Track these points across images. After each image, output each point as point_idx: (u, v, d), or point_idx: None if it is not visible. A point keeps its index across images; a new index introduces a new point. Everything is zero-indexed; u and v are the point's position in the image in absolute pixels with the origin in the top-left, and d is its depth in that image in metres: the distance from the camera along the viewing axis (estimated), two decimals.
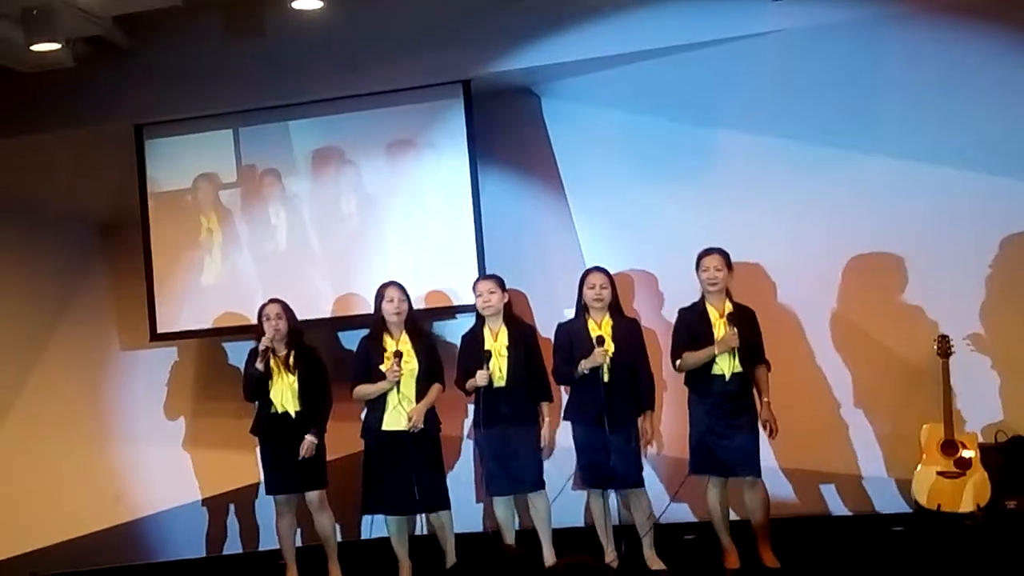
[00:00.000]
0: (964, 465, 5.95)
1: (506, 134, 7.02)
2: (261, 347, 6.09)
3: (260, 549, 6.97)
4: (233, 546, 7.09)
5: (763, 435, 5.83)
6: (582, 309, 6.01)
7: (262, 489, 6.39)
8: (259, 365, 6.08)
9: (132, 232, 7.13)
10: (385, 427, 6.01)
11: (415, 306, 6.30)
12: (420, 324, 6.30)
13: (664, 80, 6.65)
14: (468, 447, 6.72)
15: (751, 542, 5.82)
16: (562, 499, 6.09)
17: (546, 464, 6.04)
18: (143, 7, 6.33)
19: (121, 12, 6.44)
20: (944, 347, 6.04)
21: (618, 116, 6.88)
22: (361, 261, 6.86)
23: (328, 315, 6.87)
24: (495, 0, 6.57)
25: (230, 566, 6.94)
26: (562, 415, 6.06)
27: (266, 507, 6.53)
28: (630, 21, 6.46)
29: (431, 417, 6.07)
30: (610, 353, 5.82)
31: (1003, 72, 6.21)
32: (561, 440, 6.09)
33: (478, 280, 6.17)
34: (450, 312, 6.77)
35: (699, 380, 5.84)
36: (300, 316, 6.38)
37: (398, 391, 5.99)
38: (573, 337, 5.95)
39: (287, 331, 6.17)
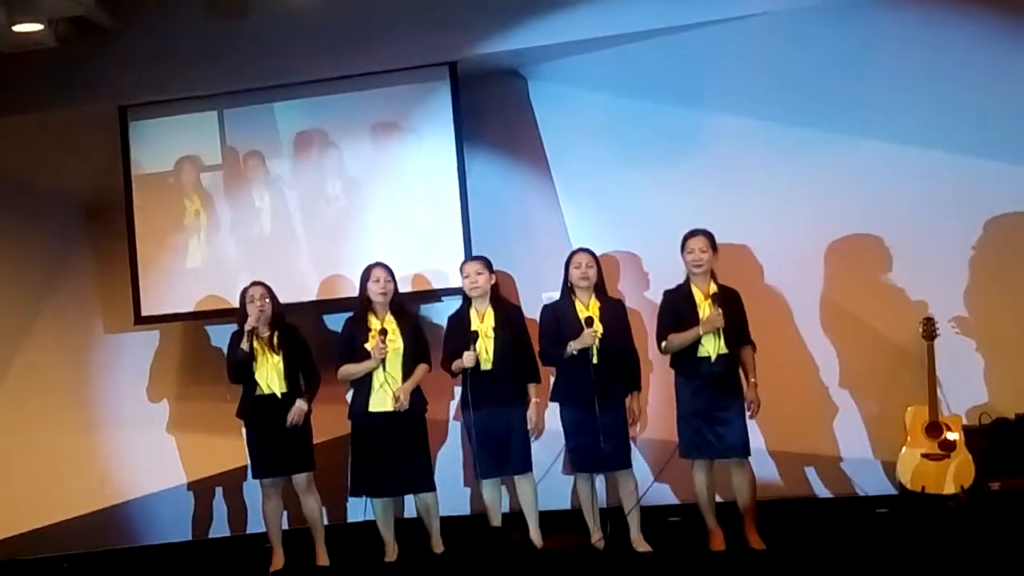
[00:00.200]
0: (948, 447, 5.98)
1: (493, 116, 7.00)
2: (247, 327, 6.07)
3: (247, 532, 6.96)
4: (220, 529, 7.08)
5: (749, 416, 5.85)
6: (568, 290, 6.00)
7: (249, 472, 6.37)
8: (244, 346, 6.07)
9: (116, 215, 7.08)
10: (371, 408, 6.01)
11: (401, 288, 6.29)
12: (405, 305, 6.29)
13: (651, 62, 6.64)
14: (454, 429, 6.73)
15: (737, 524, 5.85)
16: (549, 481, 6.11)
17: (533, 446, 6.04)
18: None
19: None
20: (929, 330, 6.06)
21: (605, 98, 6.87)
22: (346, 244, 6.84)
23: (313, 298, 6.84)
24: None
25: (216, 549, 6.93)
26: (549, 397, 6.06)
27: (253, 490, 6.52)
28: (617, 3, 6.46)
29: (417, 398, 6.07)
30: (599, 334, 5.82)
31: (990, 55, 6.23)
32: (548, 422, 6.08)
33: (465, 261, 6.17)
34: (436, 295, 6.76)
35: (685, 362, 5.85)
36: (285, 299, 6.39)
37: (383, 370, 5.99)
38: (560, 318, 5.94)
39: (271, 313, 6.16)
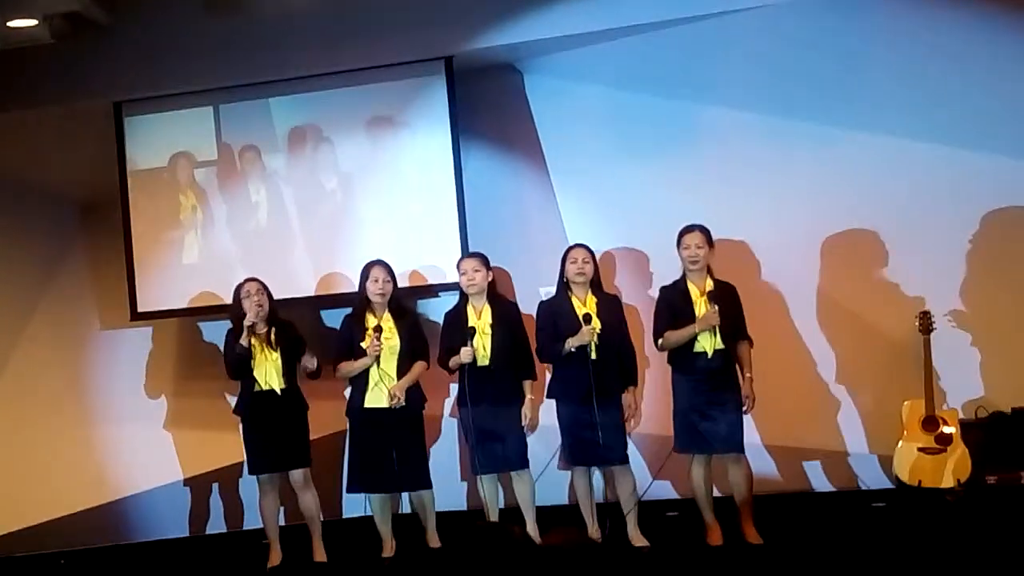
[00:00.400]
0: (945, 441, 5.99)
1: (488, 111, 6.99)
2: (246, 323, 6.05)
3: (244, 528, 6.95)
4: (217, 525, 7.08)
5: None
6: (564, 286, 6.00)
7: (246, 468, 6.37)
8: (243, 342, 6.06)
9: (112, 211, 7.07)
10: (367, 404, 6.01)
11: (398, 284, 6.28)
12: (404, 303, 6.28)
13: (647, 56, 6.64)
14: (450, 426, 6.73)
15: (734, 519, 5.85)
16: (546, 477, 6.10)
17: (530, 442, 6.04)
18: None
19: None
20: (926, 324, 6.07)
21: (601, 92, 6.87)
22: (343, 239, 6.83)
23: (309, 294, 6.83)
24: None
25: (213, 545, 6.93)
26: (546, 393, 6.06)
27: (249, 486, 6.51)
28: None
29: (415, 395, 6.06)
30: (597, 330, 5.82)
31: (988, 49, 6.24)
32: (543, 418, 6.07)
33: (462, 258, 6.15)
34: (432, 290, 6.76)
35: (682, 358, 5.84)
36: (281, 295, 6.37)
37: (378, 368, 5.99)
38: (557, 314, 5.93)
39: (268, 309, 6.15)
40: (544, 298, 6.10)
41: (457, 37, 6.67)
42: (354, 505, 6.33)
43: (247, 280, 6.24)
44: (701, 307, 5.78)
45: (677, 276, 5.98)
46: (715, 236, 5.93)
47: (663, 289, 6.00)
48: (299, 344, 6.20)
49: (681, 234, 5.90)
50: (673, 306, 5.87)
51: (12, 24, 6.31)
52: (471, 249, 6.44)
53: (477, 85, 6.87)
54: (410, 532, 6.18)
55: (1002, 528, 5.45)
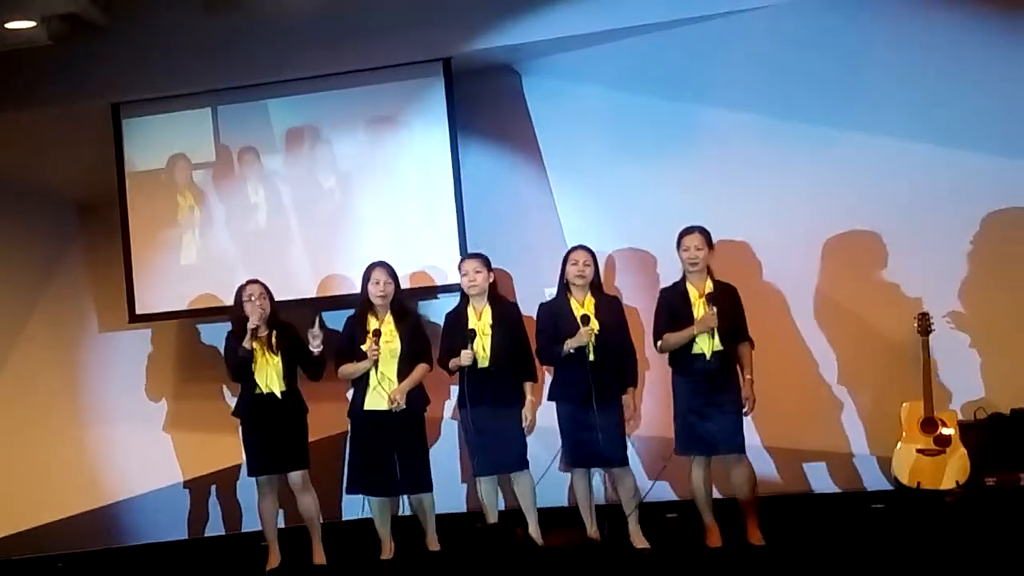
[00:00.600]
0: (944, 443, 5.99)
1: (487, 112, 7.00)
2: (250, 326, 6.03)
3: (243, 531, 6.94)
4: (215, 528, 7.07)
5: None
6: (564, 287, 5.99)
7: (244, 471, 6.36)
8: (246, 345, 6.04)
9: (110, 212, 7.06)
10: (367, 407, 5.99)
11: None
12: (406, 305, 6.26)
13: (646, 57, 6.64)
14: (450, 427, 6.72)
15: (734, 520, 5.84)
16: (547, 478, 6.09)
17: (531, 444, 6.02)
18: None
19: None
20: (924, 325, 6.06)
21: (600, 94, 6.87)
22: (341, 240, 6.83)
23: (309, 295, 6.82)
24: None
25: (212, 548, 6.91)
26: (546, 395, 6.05)
27: (248, 489, 6.50)
28: None
29: (418, 397, 6.05)
30: (595, 332, 5.81)
31: (985, 50, 6.23)
32: (544, 420, 6.06)
33: (463, 259, 6.14)
34: (431, 291, 6.75)
35: (681, 360, 5.84)
36: (280, 296, 6.35)
37: (377, 371, 5.97)
38: (556, 316, 5.93)
39: (269, 311, 6.14)
40: (548, 299, 6.08)
41: (456, 38, 6.67)
42: (354, 507, 6.31)
43: (249, 282, 6.22)
44: (700, 309, 5.77)
45: (677, 277, 5.97)
46: (715, 237, 5.92)
47: (663, 291, 6.00)
48: (300, 347, 6.18)
49: (681, 236, 5.90)
50: (672, 308, 5.87)
51: (10, 26, 6.31)
52: (469, 250, 6.43)
53: (475, 86, 6.87)
54: (409, 534, 6.17)
55: (1001, 530, 5.44)
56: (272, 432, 6.07)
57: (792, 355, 6.48)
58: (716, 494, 5.94)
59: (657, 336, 5.90)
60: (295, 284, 6.76)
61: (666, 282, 6.03)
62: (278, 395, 6.08)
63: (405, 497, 6.15)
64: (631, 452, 6.02)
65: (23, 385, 7.22)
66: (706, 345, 5.75)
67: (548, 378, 6.10)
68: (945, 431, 5.99)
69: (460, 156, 6.71)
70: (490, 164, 7.00)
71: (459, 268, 6.11)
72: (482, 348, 5.91)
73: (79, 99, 6.98)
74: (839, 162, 6.46)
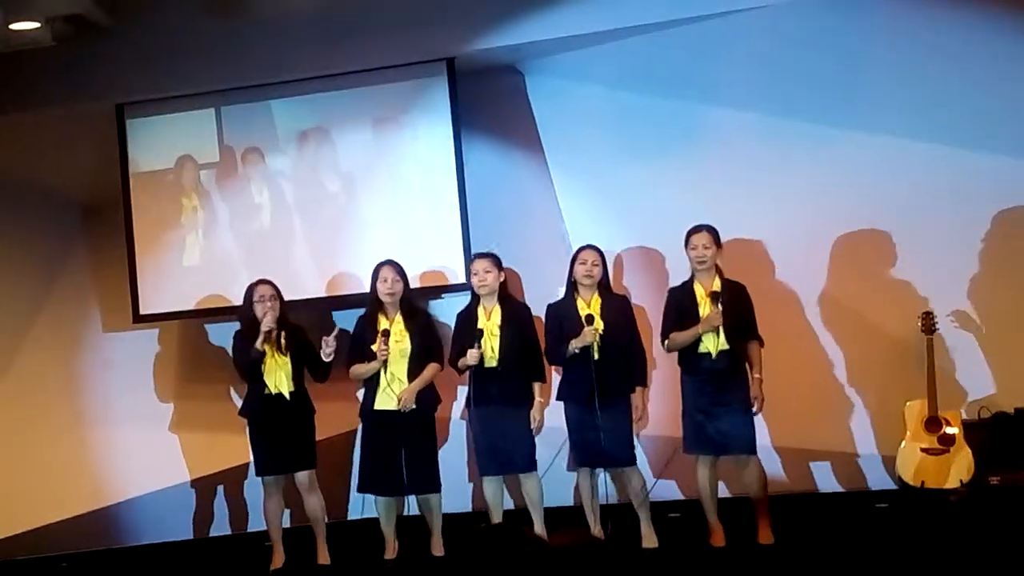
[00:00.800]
0: (948, 442, 5.98)
1: (490, 112, 7.00)
2: (264, 328, 6.02)
3: (249, 530, 6.94)
4: (221, 528, 7.07)
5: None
6: (571, 287, 5.98)
7: (250, 470, 6.35)
8: (259, 346, 6.03)
9: (114, 213, 7.07)
10: (377, 407, 5.99)
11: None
12: (416, 304, 6.25)
13: (649, 57, 6.64)
14: (457, 428, 6.71)
15: (740, 520, 5.82)
16: (554, 479, 6.08)
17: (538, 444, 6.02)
18: None
19: None
20: (928, 324, 6.05)
21: (603, 93, 6.87)
22: (345, 241, 6.84)
23: (312, 295, 6.81)
24: None
25: (217, 548, 6.91)
26: (555, 395, 6.04)
27: (254, 489, 6.50)
28: None
29: (429, 396, 6.04)
30: (599, 331, 5.81)
31: (987, 48, 6.22)
32: (549, 420, 6.03)
33: (474, 258, 6.11)
34: (435, 292, 6.75)
35: (688, 359, 5.83)
36: (285, 297, 6.33)
37: (386, 371, 5.97)
38: (563, 316, 5.92)
39: (280, 312, 6.14)
40: (552, 302, 6.08)
41: (458, 38, 6.67)
42: (358, 506, 6.31)
43: (259, 282, 6.21)
44: (706, 308, 5.77)
45: (681, 276, 5.97)
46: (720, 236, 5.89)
47: (671, 290, 5.99)
48: (308, 349, 6.18)
49: (689, 234, 5.89)
50: (680, 307, 5.86)
51: (14, 27, 6.31)
52: (473, 250, 6.44)
53: (479, 86, 6.87)
54: (415, 534, 6.16)
55: (1005, 529, 5.44)
56: (280, 432, 6.07)
57: (795, 354, 6.46)
58: (726, 492, 5.92)
59: (664, 336, 5.90)
60: (299, 284, 6.74)
61: (673, 281, 6.02)
62: (287, 396, 6.08)
63: (411, 497, 6.15)
64: (638, 451, 6.01)
65: (27, 385, 7.20)
66: (711, 344, 5.75)
67: (557, 378, 6.09)
68: (949, 430, 5.98)
69: (464, 156, 6.71)
70: (494, 164, 7.00)
71: (470, 267, 6.10)
72: (490, 348, 5.91)
73: (83, 100, 6.99)
74: (842, 161, 6.46)
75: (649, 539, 5.91)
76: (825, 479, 6.52)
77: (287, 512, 6.38)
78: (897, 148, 6.38)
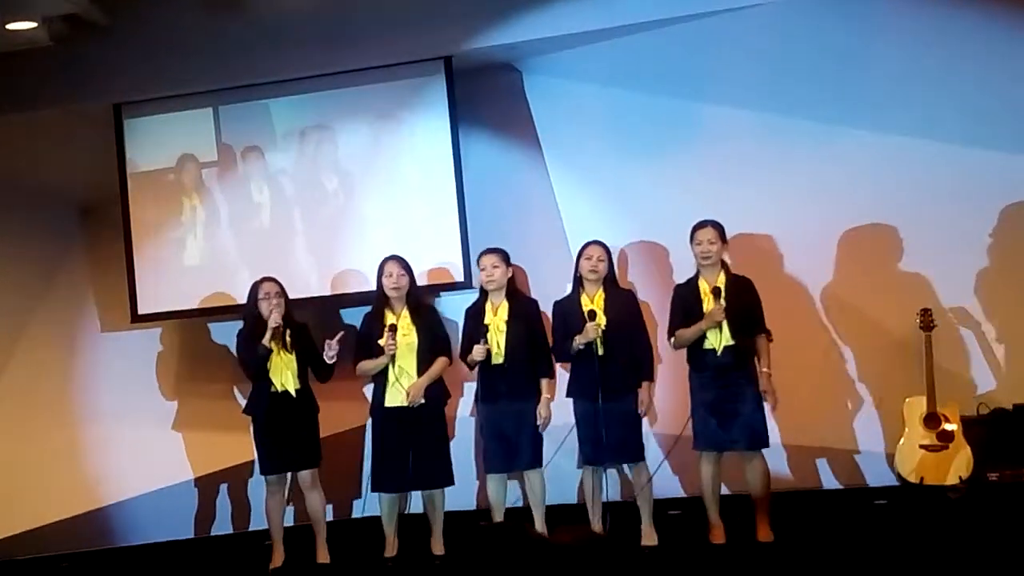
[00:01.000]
0: (947, 438, 5.98)
1: (488, 110, 7.01)
2: (272, 324, 6.01)
3: (250, 529, 6.93)
4: (223, 527, 7.06)
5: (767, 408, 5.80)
6: (577, 282, 5.98)
7: (253, 469, 6.33)
8: (266, 343, 6.01)
9: (112, 213, 7.07)
10: (387, 404, 5.98)
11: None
12: (422, 298, 6.25)
13: (646, 54, 6.65)
14: (462, 425, 6.69)
15: (741, 517, 5.82)
16: (555, 476, 6.08)
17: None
18: None
19: None
20: (927, 321, 6.05)
21: (600, 91, 6.88)
22: (344, 239, 6.84)
23: (311, 294, 6.81)
24: None
25: (217, 547, 6.90)
26: (564, 392, 6.01)
27: (257, 487, 6.50)
28: None
29: (438, 391, 6.04)
30: (602, 327, 5.80)
31: (988, 45, 6.23)
32: (556, 416, 5.99)
33: (482, 254, 6.09)
34: (434, 289, 6.74)
35: (694, 355, 5.82)
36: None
37: (394, 366, 5.97)
38: (567, 312, 5.93)
39: (285, 309, 6.14)
40: (559, 299, 6.07)
41: (456, 37, 6.68)
42: (362, 505, 6.31)
43: (264, 280, 6.20)
44: (710, 303, 5.76)
45: (675, 273, 5.98)
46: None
47: (677, 287, 5.98)
48: (313, 347, 6.17)
49: (693, 230, 5.88)
50: (685, 304, 5.85)
51: (11, 27, 6.31)
52: (471, 247, 6.43)
53: (476, 84, 6.88)
54: (416, 532, 6.15)
55: (1004, 525, 5.44)
56: (286, 430, 6.06)
57: (796, 351, 6.46)
58: (725, 490, 5.91)
59: (671, 332, 5.89)
60: (298, 282, 6.72)
61: (677, 276, 6.00)
62: (292, 393, 6.08)
63: (414, 494, 6.15)
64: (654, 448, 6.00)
65: (25, 385, 7.20)
66: (715, 339, 5.74)
67: (566, 375, 6.08)
68: (948, 427, 5.99)
69: (462, 154, 6.71)
70: (492, 161, 7.00)
71: (477, 263, 6.09)
72: (496, 344, 5.90)
73: (80, 100, 6.99)
74: (840, 158, 6.47)
75: (649, 536, 5.91)
76: (824, 476, 6.52)
77: (289, 510, 6.37)
78: (897, 145, 6.37)
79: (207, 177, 6.99)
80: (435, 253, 6.69)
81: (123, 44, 6.87)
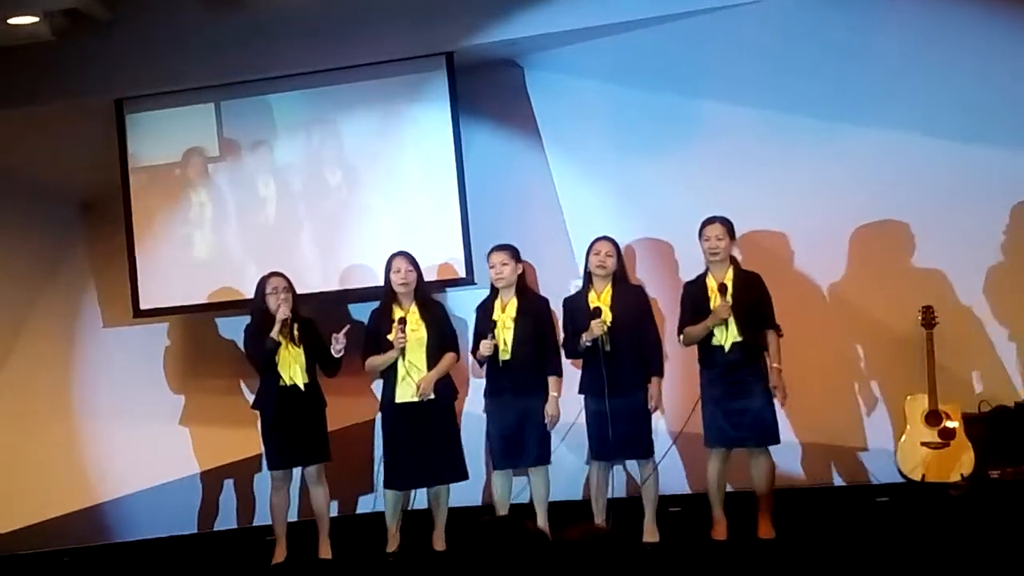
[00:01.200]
0: (948, 435, 5.98)
1: (490, 106, 7.00)
2: (280, 317, 6.00)
3: (254, 524, 6.93)
4: (227, 522, 7.05)
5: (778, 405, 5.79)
6: (587, 279, 5.97)
7: (264, 463, 6.32)
8: (275, 336, 6.01)
9: (114, 208, 7.06)
10: (398, 399, 5.98)
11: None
12: (430, 294, 6.24)
13: (648, 50, 6.65)
14: (468, 421, 6.67)
15: (745, 514, 5.82)
16: (563, 472, 6.07)
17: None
18: None
19: None
20: (928, 318, 6.05)
21: (602, 87, 6.88)
22: (346, 236, 6.84)
23: (313, 289, 6.79)
24: None
25: (220, 542, 6.90)
26: (577, 389, 5.99)
27: (262, 482, 6.49)
28: None
29: (447, 386, 6.04)
30: (607, 324, 5.79)
31: (988, 41, 6.22)
32: (563, 413, 5.97)
33: (491, 251, 6.07)
34: (436, 286, 6.74)
35: (703, 352, 5.82)
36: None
37: (404, 360, 5.96)
38: (575, 309, 5.92)
39: (292, 304, 6.13)
40: (574, 291, 6.07)
41: (458, 33, 6.68)
42: (370, 500, 6.31)
43: (272, 275, 6.20)
44: (716, 300, 5.75)
45: (674, 270, 5.97)
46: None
47: (686, 284, 5.97)
48: (320, 342, 6.17)
49: (702, 226, 5.86)
50: (695, 300, 5.84)
51: (12, 21, 6.30)
52: (472, 243, 6.44)
53: (478, 80, 6.88)
54: (418, 528, 6.15)
55: (1006, 523, 5.44)
56: (294, 425, 6.07)
57: (796, 348, 6.45)
58: (728, 487, 5.91)
59: (680, 330, 5.88)
60: (304, 278, 6.69)
61: (683, 272, 5.98)
62: (301, 387, 6.07)
63: (419, 490, 6.15)
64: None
65: (27, 380, 7.21)
66: (722, 336, 5.73)
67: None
68: (949, 424, 5.99)
69: (463, 150, 6.70)
70: (493, 158, 7.00)
71: (487, 259, 6.07)
72: (503, 341, 5.90)
73: (82, 95, 6.98)
74: (841, 155, 6.45)
75: (651, 533, 5.91)
76: (831, 473, 6.51)
77: (295, 505, 6.37)
78: (901, 141, 6.35)
79: (210, 171, 6.98)
80: (438, 249, 6.67)
81: (125, 39, 6.86)
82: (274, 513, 6.24)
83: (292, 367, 6.08)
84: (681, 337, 5.87)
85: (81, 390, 7.29)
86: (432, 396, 5.95)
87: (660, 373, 5.89)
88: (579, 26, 6.56)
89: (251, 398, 6.45)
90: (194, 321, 7.19)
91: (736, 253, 5.91)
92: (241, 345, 6.43)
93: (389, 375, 6.02)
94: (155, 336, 7.28)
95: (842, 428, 6.48)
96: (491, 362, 5.91)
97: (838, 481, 6.51)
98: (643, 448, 5.86)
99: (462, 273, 6.66)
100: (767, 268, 6.03)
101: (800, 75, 6.50)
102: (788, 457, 6.48)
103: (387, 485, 6.06)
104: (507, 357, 5.90)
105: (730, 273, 5.80)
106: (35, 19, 6.31)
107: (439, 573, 5.77)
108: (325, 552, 6.20)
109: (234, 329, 6.49)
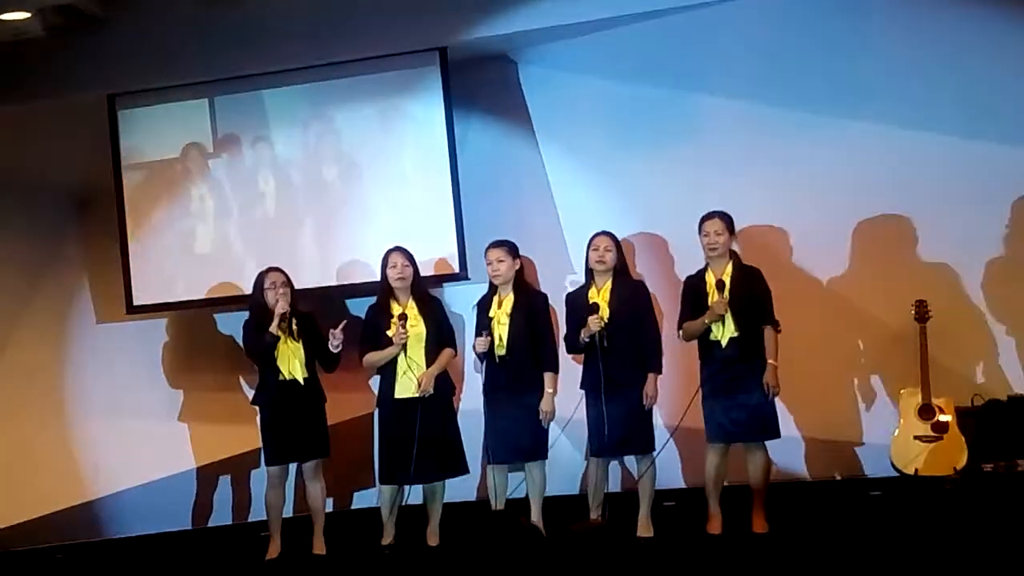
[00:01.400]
0: (941, 429, 5.99)
1: (483, 101, 7.02)
2: (279, 311, 5.99)
3: (249, 520, 6.93)
4: (222, 518, 7.05)
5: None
6: (588, 274, 5.97)
7: (255, 459, 6.31)
8: (274, 331, 5.99)
9: (107, 204, 7.05)
10: (397, 395, 5.96)
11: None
12: (427, 289, 6.24)
13: (642, 45, 6.66)
14: (464, 417, 6.67)
15: (735, 508, 5.82)
16: (564, 468, 6.06)
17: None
18: None
19: None
20: (922, 312, 6.05)
21: (595, 82, 6.88)
22: (341, 231, 6.84)
23: (309, 284, 6.78)
24: None
25: (214, 538, 6.90)
26: (578, 385, 5.98)
27: (258, 478, 6.49)
28: None
29: (444, 382, 6.04)
30: (605, 319, 5.78)
31: (988, 38, 6.23)
32: (560, 409, 5.97)
33: (489, 247, 6.05)
34: (430, 282, 6.73)
35: (702, 348, 5.81)
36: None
37: (406, 356, 5.96)
38: (576, 305, 5.92)
39: (291, 298, 6.13)
40: (570, 288, 6.07)
41: (451, 27, 6.67)
42: (366, 496, 6.29)
43: (270, 270, 6.18)
44: (715, 296, 5.75)
45: (670, 266, 5.97)
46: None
47: (686, 280, 5.96)
48: (319, 337, 6.16)
49: (701, 221, 5.85)
50: (694, 296, 5.84)
51: (4, 17, 6.29)
52: (467, 238, 6.42)
53: (472, 75, 6.88)
54: (412, 523, 6.14)
55: (998, 516, 5.46)
56: (294, 420, 6.05)
57: (792, 343, 6.45)
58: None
59: (680, 325, 5.88)
60: (302, 273, 6.66)
61: (680, 267, 5.98)
62: (301, 382, 6.07)
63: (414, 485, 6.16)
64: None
65: (21, 376, 7.21)
66: (720, 332, 5.73)
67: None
68: (943, 418, 6.00)
69: (457, 145, 6.71)
70: (488, 153, 7.00)
71: (484, 256, 6.06)
72: (499, 337, 5.89)
73: (74, 90, 6.98)
74: (837, 150, 6.45)
75: (645, 528, 5.91)
76: (827, 467, 6.54)
77: (290, 500, 6.37)
78: (899, 137, 6.35)
79: (204, 167, 6.96)
80: (432, 244, 6.67)
81: (117, 34, 6.85)
82: (269, 509, 6.22)
83: (291, 362, 6.08)
84: (680, 332, 5.88)
85: (75, 386, 7.29)
86: (432, 392, 5.95)
87: (657, 369, 5.88)
88: (573, 21, 6.56)
89: (250, 394, 6.45)
90: (192, 317, 7.18)
91: (735, 247, 5.90)
92: (240, 341, 6.42)
93: (388, 371, 6.01)
94: (150, 332, 7.27)
95: (839, 422, 6.49)
96: (488, 358, 5.91)
97: (831, 475, 6.51)
98: (643, 444, 5.86)
99: (457, 268, 6.65)
100: (765, 263, 6.04)
101: (797, 70, 6.51)
102: (785, 451, 6.50)
103: (384, 481, 6.06)
104: (503, 353, 5.89)
105: (729, 268, 5.80)
106: (27, 15, 6.31)
107: (433, 568, 5.77)
108: (319, 548, 6.19)
109: (232, 325, 6.48)
